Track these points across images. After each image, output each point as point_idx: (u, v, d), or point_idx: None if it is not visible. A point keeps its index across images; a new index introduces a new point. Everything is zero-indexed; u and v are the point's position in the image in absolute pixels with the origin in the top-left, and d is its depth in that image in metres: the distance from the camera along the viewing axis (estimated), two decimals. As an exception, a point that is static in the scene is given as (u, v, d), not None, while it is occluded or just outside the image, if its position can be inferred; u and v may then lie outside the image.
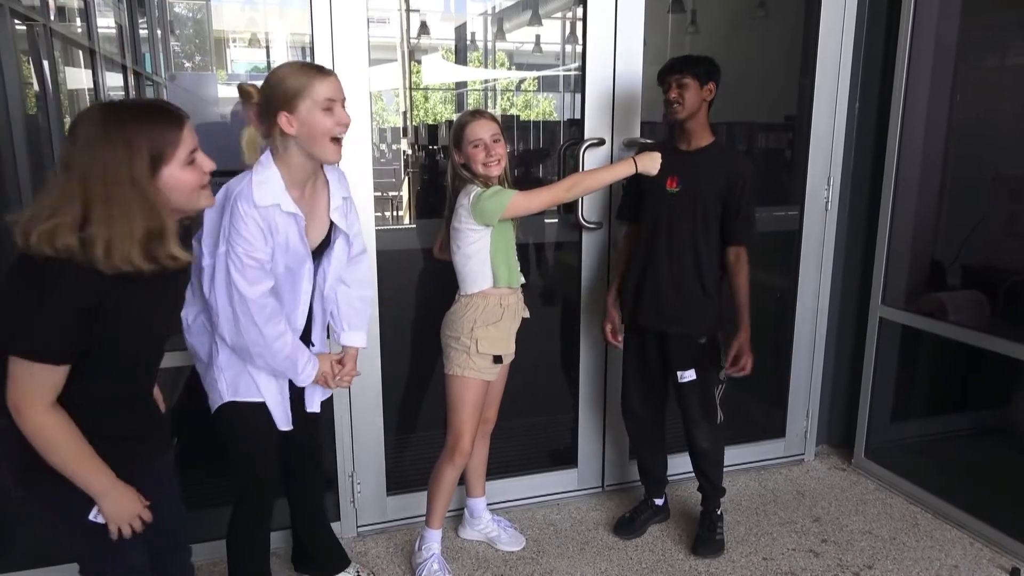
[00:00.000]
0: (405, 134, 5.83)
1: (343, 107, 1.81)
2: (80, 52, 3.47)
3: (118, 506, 1.45)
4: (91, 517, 1.44)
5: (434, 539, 2.42)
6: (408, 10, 5.69)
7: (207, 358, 1.91)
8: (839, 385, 3.28)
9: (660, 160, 2.32)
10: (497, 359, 2.29)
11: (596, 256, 2.78)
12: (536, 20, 6.10)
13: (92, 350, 1.36)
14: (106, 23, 3.63)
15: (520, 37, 6.61)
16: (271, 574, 2.18)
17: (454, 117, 2.62)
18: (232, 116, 3.15)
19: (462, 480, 2.51)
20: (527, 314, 2.38)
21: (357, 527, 2.69)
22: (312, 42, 2.34)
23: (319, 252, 1.97)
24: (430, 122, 6.64)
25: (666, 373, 2.54)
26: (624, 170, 2.32)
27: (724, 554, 2.58)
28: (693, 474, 2.66)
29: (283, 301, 1.87)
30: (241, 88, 1.83)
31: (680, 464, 2.85)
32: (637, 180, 2.36)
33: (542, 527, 2.76)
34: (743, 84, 3.26)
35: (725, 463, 2.62)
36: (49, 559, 2.39)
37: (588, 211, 2.73)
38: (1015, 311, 2.82)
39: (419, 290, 2.86)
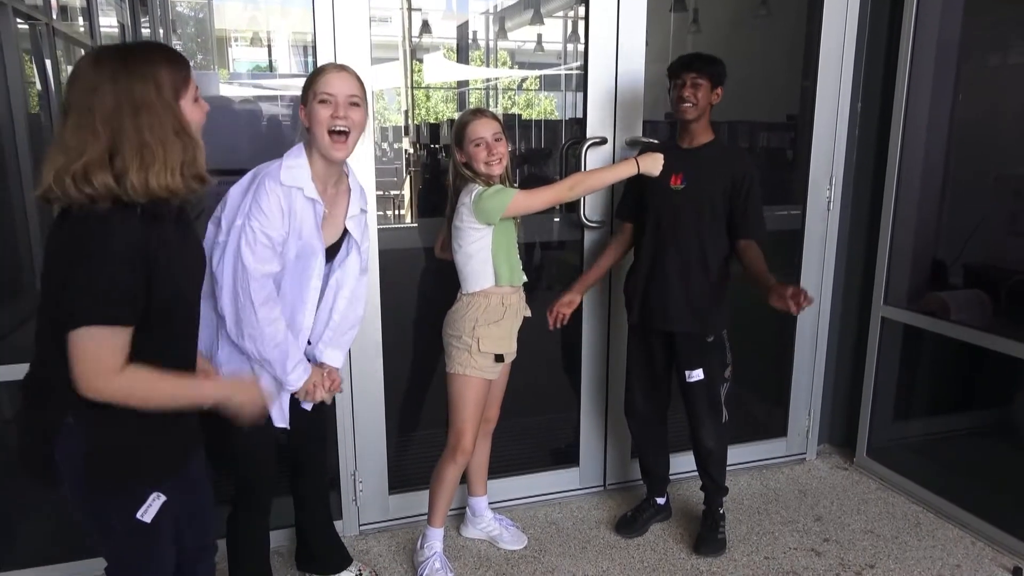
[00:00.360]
0: (407, 133, 5.82)
1: (352, 105, 1.84)
2: (82, 51, 3.47)
3: (246, 396, 1.50)
4: (138, 515, 1.44)
5: (436, 538, 2.42)
6: (410, 9, 5.70)
7: (208, 352, 1.92)
8: (841, 384, 3.28)
9: (662, 161, 2.32)
10: (499, 358, 2.29)
11: (598, 255, 2.78)
12: (538, 19, 6.10)
13: (148, 310, 1.34)
14: (108, 22, 3.63)
15: (522, 36, 6.61)
16: (272, 572, 2.19)
17: (456, 116, 2.62)
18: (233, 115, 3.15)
19: (464, 479, 2.52)
20: (529, 313, 2.38)
21: (359, 525, 2.70)
22: (314, 41, 2.35)
23: (330, 257, 1.97)
24: (432, 121, 6.64)
25: (671, 372, 2.55)
26: (626, 170, 2.32)
27: (726, 553, 2.58)
28: (694, 473, 2.66)
29: (289, 292, 1.88)
30: None
31: (682, 463, 2.85)
32: (639, 180, 2.36)
33: (544, 526, 2.76)
34: (745, 83, 3.26)
35: (727, 462, 2.62)
36: (50, 558, 2.40)
37: (590, 210, 2.73)
38: (1017, 310, 2.82)
39: (421, 289, 2.86)
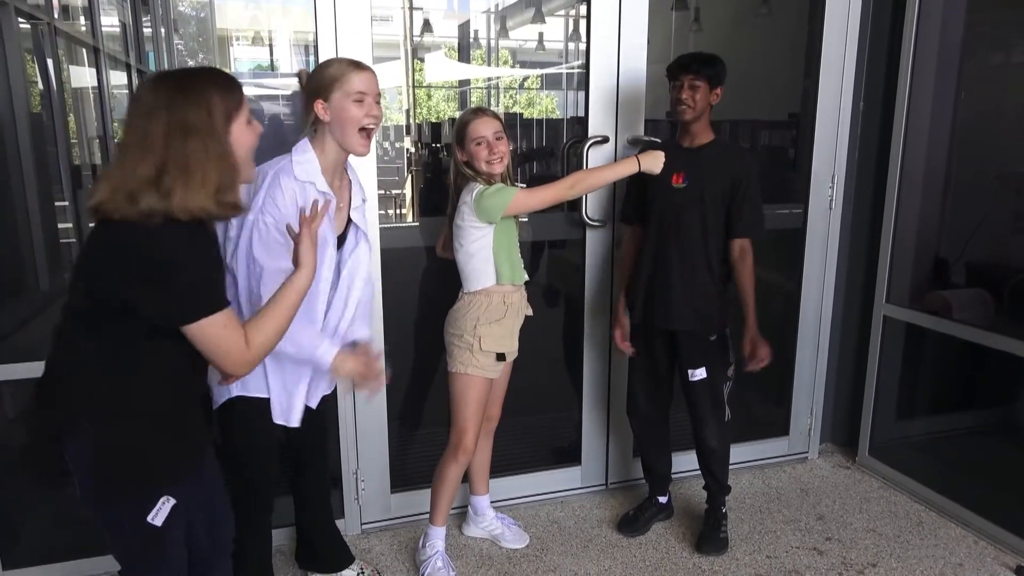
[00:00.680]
0: (408, 132, 5.82)
1: (376, 102, 1.87)
2: (84, 50, 3.47)
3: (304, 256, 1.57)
4: (148, 519, 1.46)
5: (438, 536, 2.42)
6: (411, 8, 5.69)
7: None
8: (843, 383, 3.28)
9: (663, 159, 2.32)
10: (500, 357, 2.29)
11: (600, 254, 2.78)
12: (539, 18, 6.09)
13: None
14: (110, 21, 3.64)
15: (523, 35, 6.60)
16: (273, 570, 2.19)
17: (457, 115, 2.62)
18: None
19: (466, 478, 2.52)
20: (530, 312, 2.38)
21: (361, 524, 2.70)
22: (316, 40, 2.35)
23: (338, 247, 1.98)
24: (433, 120, 6.64)
25: (673, 371, 2.54)
26: (627, 168, 2.32)
27: (728, 552, 2.58)
28: (697, 472, 2.66)
29: None
30: (299, 73, 1.93)
31: (684, 462, 2.85)
32: (641, 180, 2.36)
33: (546, 525, 2.76)
34: (747, 82, 3.26)
35: (730, 461, 2.62)
36: (52, 556, 2.40)
37: (592, 209, 2.72)
38: (1020, 309, 2.82)
39: (422, 288, 2.87)
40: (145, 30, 3.65)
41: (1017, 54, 3.05)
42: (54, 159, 3.03)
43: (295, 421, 1.97)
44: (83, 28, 3.53)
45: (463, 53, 6.47)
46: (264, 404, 1.94)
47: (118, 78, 3.59)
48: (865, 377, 3.13)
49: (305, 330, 1.84)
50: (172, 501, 1.48)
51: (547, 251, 3.07)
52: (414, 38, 5.93)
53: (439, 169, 4.18)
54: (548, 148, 4.29)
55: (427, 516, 2.45)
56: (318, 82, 1.84)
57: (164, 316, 1.38)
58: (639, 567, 2.51)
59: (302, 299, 1.56)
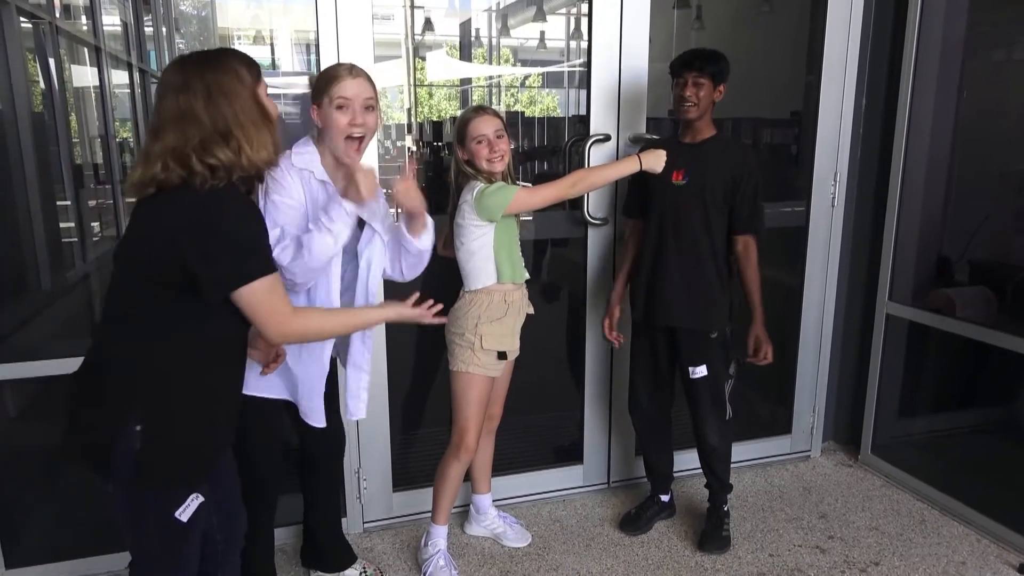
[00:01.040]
0: (410, 131, 5.82)
1: (367, 109, 1.86)
2: (85, 50, 3.48)
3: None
4: (176, 514, 1.47)
5: (440, 535, 2.42)
6: (412, 6, 5.69)
7: None
8: (846, 381, 3.27)
9: (664, 157, 2.31)
10: (502, 355, 2.29)
11: (601, 252, 2.78)
12: (540, 16, 6.09)
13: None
14: (111, 21, 3.64)
15: (524, 33, 6.60)
16: (275, 569, 2.19)
17: (458, 113, 2.63)
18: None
19: (467, 476, 2.52)
20: (531, 310, 2.37)
21: (363, 523, 2.70)
22: (317, 39, 2.34)
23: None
24: (434, 119, 6.64)
25: (675, 369, 2.54)
26: (628, 167, 2.32)
27: (730, 550, 2.57)
28: (698, 470, 2.66)
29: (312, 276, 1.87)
30: (309, 78, 2.00)
31: (686, 460, 2.85)
32: (643, 176, 2.36)
33: (548, 523, 2.76)
34: (749, 80, 3.25)
35: (731, 459, 2.62)
36: (54, 556, 2.41)
37: (594, 207, 2.72)
38: (1023, 307, 2.81)
39: (423, 287, 2.86)
40: (146, 29, 3.65)
41: (1020, 51, 3.04)
42: (56, 158, 3.03)
43: (321, 421, 1.97)
44: (84, 27, 3.54)
45: (464, 52, 6.47)
46: (271, 404, 1.95)
47: (119, 77, 3.60)
48: (868, 375, 3.12)
49: (316, 240, 1.78)
50: (200, 499, 1.50)
51: (549, 249, 3.06)
52: (415, 37, 5.93)
53: (440, 168, 4.18)
54: (550, 147, 4.28)
55: (429, 515, 2.45)
56: (315, 87, 1.89)
57: (221, 279, 1.39)
58: (641, 566, 2.51)
59: (359, 327, 1.76)
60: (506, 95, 7.06)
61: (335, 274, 1.90)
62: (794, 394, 3.19)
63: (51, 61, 2.94)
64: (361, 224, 1.98)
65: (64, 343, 2.45)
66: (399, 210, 2.00)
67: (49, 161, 2.92)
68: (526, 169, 3.87)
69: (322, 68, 2.24)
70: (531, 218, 2.79)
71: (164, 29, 3.75)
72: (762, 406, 3.40)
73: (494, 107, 2.69)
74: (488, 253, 2.21)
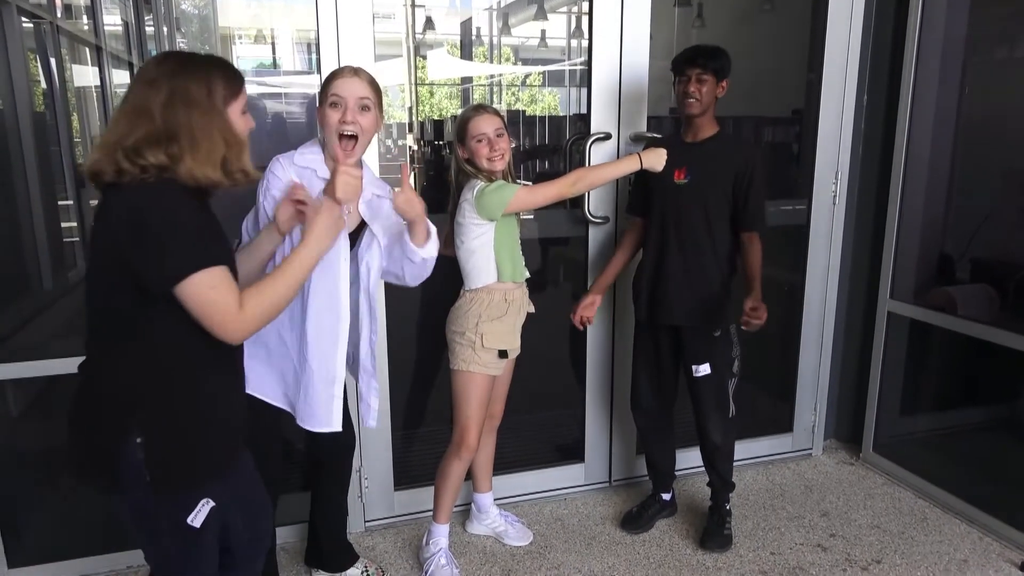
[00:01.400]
0: (411, 130, 5.82)
1: (363, 109, 1.85)
2: (87, 49, 3.48)
3: (329, 227, 1.57)
4: (188, 520, 1.46)
5: (441, 534, 2.43)
6: (413, 5, 5.68)
7: None
8: (847, 379, 3.27)
9: (665, 156, 2.31)
10: (502, 354, 2.29)
11: (602, 251, 2.78)
12: (541, 15, 6.08)
13: None
14: (112, 20, 3.64)
15: (525, 32, 6.59)
16: (277, 567, 2.19)
17: (459, 112, 2.63)
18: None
19: (469, 475, 2.52)
20: (532, 309, 2.37)
21: (365, 522, 2.70)
22: (317, 38, 2.34)
23: (353, 242, 1.97)
24: (436, 117, 6.63)
25: (678, 368, 2.54)
26: (629, 166, 2.31)
27: (732, 548, 2.57)
28: (700, 469, 2.66)
29: (323, 276, 1.85)
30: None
31: (687, 459, 2.85)
32: (644, 175, 2.36)
33: (549, 522, 2.76)
34: (750, 78, 3.24)
35: (734, 457, 2.62)
36: (57, 555, 2.41)
37: (595, 206, 2.72)
38: (1025, 305, 2.81)
39: (424, 285, 2.86)
40: (147, 29, 3.65)
41: (1022, 48, 3.03)
42: (57, 158, 3.03)
43: (336, 425, 1.93)
44: (85, 27, 3.54)
45: (465, 50, 6.47)
46: (262, 406, 1.93)
47: (121, 77, 3.59)
48: (869, 373, 3.12)
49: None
50: (212, 503, 1.49)
51: (550, 248, 3.06)
52: (416, 36, 5.93)
53: (441, 166, 4.18)
54: (550, 145, 4.28)
55: (430, 514, 2.45)
56: (321, 89, 1.90)
57: (157, 274, 1.35)
58: (642, 564, 2.51)
59: (306, 273, 1.54)
60: (507, 94, 7.05)
61: (343, 275, 1.88)
62: (795, 392, 3.19)
63: (52, 61, 2.94)
64: (361, 228, 1.99)
65: (66, 343, 2.45)
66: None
67: (51, 161, 2.92)
68: (527, 168, 3.87)
69: (322, 67, 2.24)
70: (532, 217, 2.79)
71: (165, 28, 3.75)
72: (764, 404, 3.40)
73: (495, 106, 2.69)
74: (488, 252, 2.21)
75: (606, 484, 2.99)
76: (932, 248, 3.14)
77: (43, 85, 2.95)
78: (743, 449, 3.04)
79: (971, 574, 2.44)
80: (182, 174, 1.36)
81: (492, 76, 6.98)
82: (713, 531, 2.58)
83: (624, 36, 2.63)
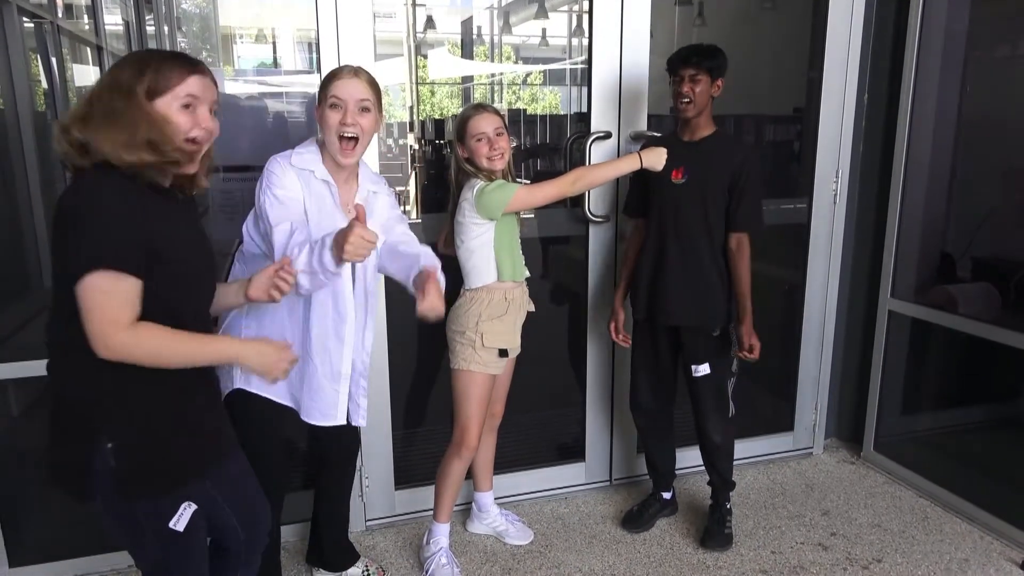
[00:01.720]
0: (412, 129, 5.82)
1: (362, 111, 1.85)
2: (88, 49, 3.48)
3: (262, 356, 1.47)
4: (171, 524, 1.46)
5: (442, 533, 2.43)
6: (414, 4, 5.68)
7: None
8: (848, 378, 3.27)
9: (665, 155, 2.30)
10: (503, 353, 2.29)
11: (603, 250, 2.78)
12: (542, 13, 6.08)
13: (148, 288, 1.37)
14: (113, 20, 3.64)
15: (526, 31, 6.59)
16: (280, 566, 2.19)
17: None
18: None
19: (469, 474, 2.52)
20: (532, 307, 2.38)
21: (365, 521, 2.70)
22: (317, 37, 2.34)
23: None
24: (436, 117, 6.63)
25: (677, 367, 2.54)
26: (629, 165, 2.31)
27: (732, 548, 2.57)
28: (700, 468, 2.66)
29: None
30: None
31: (688, 458, 2.85)
32: (643, 174, 2.36)
33: (550, 521, 2.76)
34: (751, 77, 3.24)
35: (734, 456, 2.62)
36: (58, 554, 2.41)
37: (595, 205, 2.72)
38: (1026, 303, 2.80)
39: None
40: (148, 28, 3.65)
41: (1023, 46, 3.02)
42: (58, 157, 3.03)
43: (340, 419, 1.95)
44: (86, 27, 3.54)
45: (466, 49, 6.47)
46: (267, 403, 1.94)
47: (122, 76, 3.59)
48: (870, 372, 3.12)
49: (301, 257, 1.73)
50: (194, 507, 1.48)
51: (550, 247, 3.06)
52: (417, 35, 5.92)
53: (442, 165, 4.18)
54: (551, 144, 4.28)
55: (431, 513, 2.45)
56: (319, 89, 1.89)
57: (59, 268, 1.33)
58: (643, 563, 2.51)
59: (206, 362, 1.46)
60: (508, 93, 7.05)
61: (347, 276, 1.88)
62: (796, 391, 3.18)
63: (53, 60, 2.95)
64: None
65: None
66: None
67: (51, 160, 2.93)
68: (527, 166, 3.86)
69: (322, 67, 2.24)
70: (532, 216, 2.79)
71: (166, 28, 3.75)
72: (764, 403, 3.39)
73: (495, 105, 2.69)
74: (488, 251, 2.21)
75: (607, 483, 2.99)
76: (933, 246, 3.14)
77: (44, 85, 2.95)
78: (744, 448, 3.04)
79: (972, 573, 2.44)
80: (112, 157, 1.33)
81: (493, 75, 6.98)
82: (714, 530, 2.58)
83: (624, 35, 2.62)
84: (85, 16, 3.62)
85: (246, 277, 1.64)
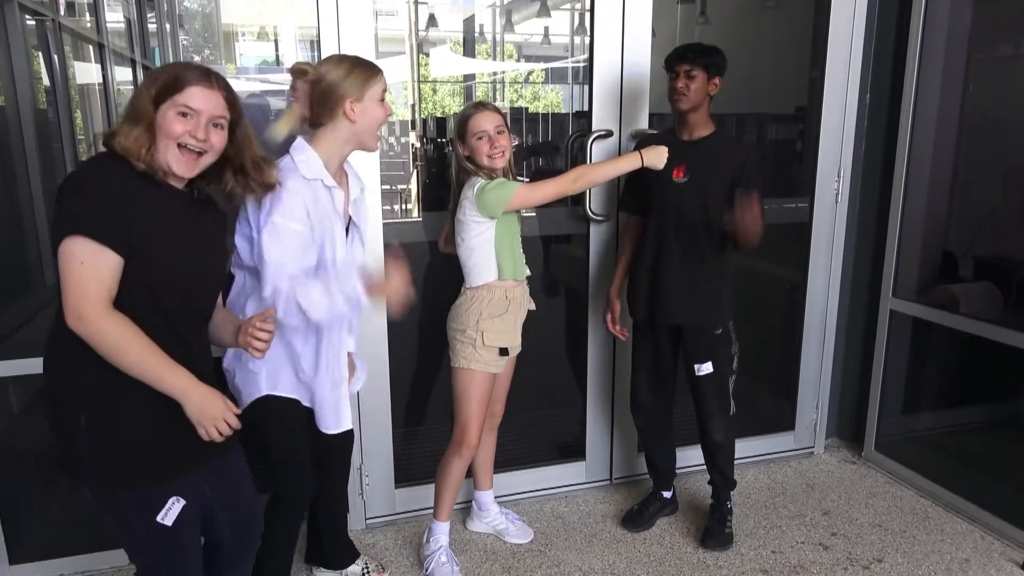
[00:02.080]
0: (413, 127, 5.82)
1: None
2: (89, 47, 3.48)
3: (203, 405, 1.45)
4: (158, 518, 1.46)
5: (442, 531, 2.43)
6: (416, 2, 5.68)
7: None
8: (849, 378, 3.26)
9: (666, 154, 2.30)
10: (503, 351, 2.29)
11: (603, 249, 2.78)
12: (544, 12, 6.08)
13: (131, 277, 1.39)
14: (115, 17, 3.64)
15: (528, 29, 6.60)
16: (291, 568, 2.19)
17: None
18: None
19: (469, 473, 2.52)
20: (532, 306, 2.37)
21: (366, 519, 2.70)
22: (319, 35, 2.34)
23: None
24: (438, 115, 6.64)
25: (677, 366, 2.54)
26: (630, 163, 2.31)
27: (733, 547, 2.57)
28: (701, 467, 2.66)
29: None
30: (297, 67, 1.85)
31: (688, 457, 2.84)
32: (642, 173, 2.35)
33: (550, 520, 2.77)
34: (753, 75, 3.24)
35: (735, 456, 2.61)
36: (59, 551, 2.42)
37: (596, 204, 2.72)
38: (1027, 303, 2.80)
39: (425, 283, 2.86)
40: (150, 26, 3.65)
41: (1026, 45, 3.02)
42: (60, 155, 3.04)
43: (347, 424, 1.97)
44: (88, 24, 3.55)
45: (468, 48, 6.47)
46: (293, 405, 1.94)
47: (123, 74, 3.60)
48: (871, 372, 3.12)
49: (313, 294, 1.75)
50: (182, 502, 1.49)
51: (551, 246, 3.06)
52: (419, 33, 5.92)
53: (444, 164, 4.18)
54: (552, 143, 4.28)
55: (431, 511, 2.46)
56: (351, 82, 1.80)
57: (52, 227, 1.37)
58: (643, 562, 2.51)
59: (148, 377, 1.42)
60: (510, 91, 7.05)
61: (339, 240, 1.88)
62: (797, 391, 3.18)
63: (55, 58, 2.95)
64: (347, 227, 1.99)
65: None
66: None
67: (53, 158, 2.93)
68: (529, 165, 3.86)
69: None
70: (533, 214, 2.79)
71: (168, 26, 3.76)
72: (765, 402, 3.39)
73: (497, 103, 2.68)
74: (489, 249, 2.21)
75: (607, 482, 2.99)
76: (934, 246, 3.13)
77: (46, 82, 2.96)
78: (744, 447, 3.04)
79: (973, 573, 2.44)
80: (116, 143, 1.42)
81: (495, 73, 6.98)
82: (714, 529, 2.58)
83: (626, 33, 2.62)
84: (87, 14, 3.63)
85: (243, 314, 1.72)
